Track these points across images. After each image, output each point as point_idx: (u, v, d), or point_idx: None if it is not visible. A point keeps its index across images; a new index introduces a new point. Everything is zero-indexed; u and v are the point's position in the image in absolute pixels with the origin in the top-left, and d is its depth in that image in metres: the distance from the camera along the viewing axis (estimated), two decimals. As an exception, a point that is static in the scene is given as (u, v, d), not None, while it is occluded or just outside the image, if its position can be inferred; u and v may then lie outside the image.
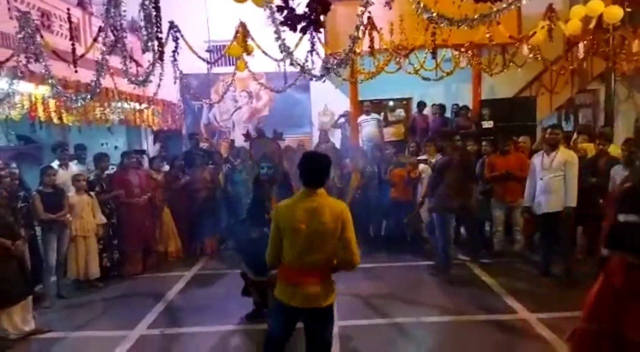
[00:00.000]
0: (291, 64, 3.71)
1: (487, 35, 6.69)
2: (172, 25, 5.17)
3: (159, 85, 7.04)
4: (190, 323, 4.89)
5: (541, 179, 5.60)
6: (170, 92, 9.48)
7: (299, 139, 10.60)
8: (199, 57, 6.80)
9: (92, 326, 4.95)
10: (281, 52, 3.81)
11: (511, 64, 8.25)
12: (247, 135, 7.41)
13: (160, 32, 3.98)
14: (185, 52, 6.64)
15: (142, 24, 3.87)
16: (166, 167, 7.69)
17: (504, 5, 2.78)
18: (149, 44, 3.90)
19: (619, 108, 9.93)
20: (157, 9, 3.88)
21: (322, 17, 3.26)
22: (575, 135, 7.20)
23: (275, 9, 3.61)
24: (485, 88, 9.87)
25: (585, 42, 7.06)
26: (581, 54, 7.24)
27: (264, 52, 6.40)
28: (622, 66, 8.16)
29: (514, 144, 7.18)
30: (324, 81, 4.42)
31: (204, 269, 6.79)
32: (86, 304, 5.59)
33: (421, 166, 6.78)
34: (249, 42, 6.36)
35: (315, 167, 2.92)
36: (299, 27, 3.33)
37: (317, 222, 2.80)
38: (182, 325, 4.87)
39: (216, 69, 9.37)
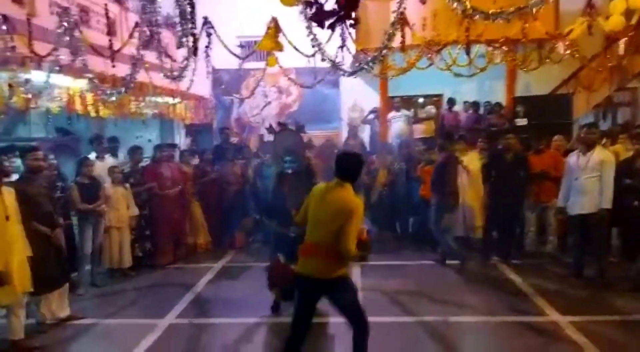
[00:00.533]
0: (322, 59, 3.71)
1: (523, 30, 6.51)
2: (205, 21, 5.25)
3: (192, 80, 7.18)
4: (218, 314, 4.98)
5: (576, 179, 5.45)
6: (202, 87, 9.62)
7: (327, 134, 10.62)
8: (231, 52, 6.87)
9: (123, 314, 5.10)
10: (312, 47, 3.81)
11: (547, 60, 8.01)
12: (270, 129, 7.45)
13: (195, 28, 4.04)
14: (217, 47, 6.72)
15: (177, 19, 3.94)
16: (196, 161, 7.83)
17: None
18: (184, 39, 3.96)
19: (660, 107, 9.54)
20: (192, 5, 3.94)
21: (353, 13, 3.21)
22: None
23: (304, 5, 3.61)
24: (519, 85, 9.64)
25: (625, 38, 6.78)
26: (621, 51, 6.96)
27: (294, 47, 6.41)
28: (664, 64, 7.82)
29: (549, 143, 7.02)
30: (356, 77, 4.39)
31: (232, 261, 6.90)
32: (118, 292, 5.76)
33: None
34: (280, 37, 6.39)
35: (345, 163, 3.33)
36: (326, 23, 3.30)
37: (325, 208, 3.23)
38: (209, 316, 4.97)
39: (247, 65, 9.43)
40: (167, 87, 7.98)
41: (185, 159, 7.57)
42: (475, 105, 9.82)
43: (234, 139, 10.04)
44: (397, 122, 9.43)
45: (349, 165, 3.32)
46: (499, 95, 10.07)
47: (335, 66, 3.65)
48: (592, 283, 5.43)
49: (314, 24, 3.55)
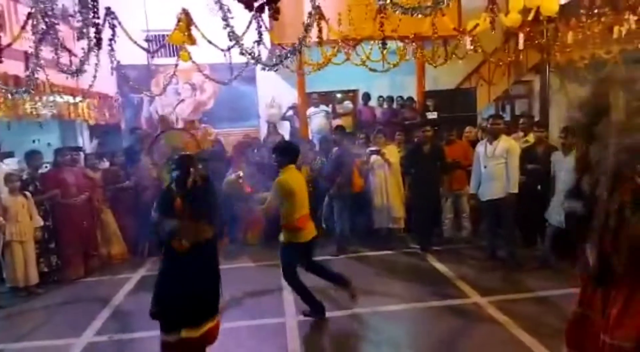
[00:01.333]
0: (241, 53, 3.55)
1: (434, 27, 6.81)
2: (108, 12, 4.83)
3: (94, 77, 6.64)
4: (140, 328, 4.63)
5: (485, 167, 5.80)
6: (106, 84, 8.94)
7: (245, 131, 10.39)
8: (139, 46, 6.44)
9: (35, 336, 4.61)
10: (230, 40, 3.63)
11: (453, 56, 8.46)
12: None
13: (98, 17, 3.69)
14: (121, 41, 6.24)
15: (77, 9, 3.57)
16: (105, 164, 7.27)
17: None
18: (84, 30, 3.60)
19: (553, 98, 10.50)
20: (94, -7, 3.60)
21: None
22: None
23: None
24: (428, 80, 10.09)
25: (523, 34, 7.36)
26: (521, 46, 7.55)
27: (209, 41, 6.14)
28: (556, 58, 8.61)
29: (459, 134, 7.44)
30: (276, 70, 4.29)
31: (152, 270, 6.46)
32: (26, 312, 5.22)
33: (373, 157, 6.81)
34: (193, 30, 6.08)
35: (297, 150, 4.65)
36: (255, 5, 3.13)
37: (305, 188, 4.60)
38: (131, 330, 4.63)
39: (157, 60, 8.95)
40: (66, 85, 7.29)
41: (91, 163, 6.98)
42: (390, 100, 10.14)
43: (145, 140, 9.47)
44: (317, 118, 9.47)
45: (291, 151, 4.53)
46: (409, 90, 10.47)
47: (255, 59, 3.51)
48: (506, 264, 5.82)
49: (231, 15, 3.38)
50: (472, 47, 7.60)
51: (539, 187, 5.88)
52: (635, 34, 6.97)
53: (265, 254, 6.62)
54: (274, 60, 6.03)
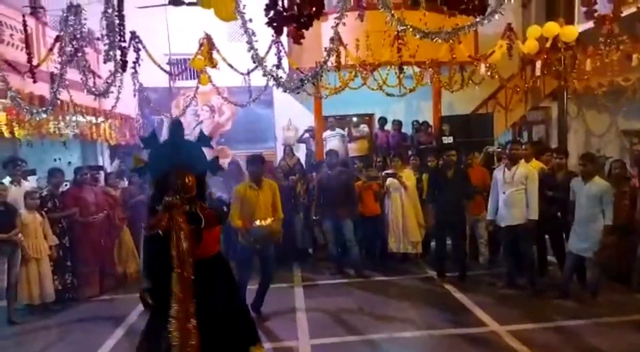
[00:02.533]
0: (264, 75, 3.62)
1: (452, 53, 6.88)
2: (133, 36, 4.99)
3: (117, 98, 6.81)
4: (154, 348, 4.62)
5: (503, 192, 5.74)
6: (128, 105, 9.17)
7: (263, 154, 10.47)
8: (162, 69, 6.62)
9: (47, 354, 4.60)
10: (254, 62, 3.72)
11: (470, 81, 8.50)
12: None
13: (124, 41, 3.81)
14: (144, 65, 6.44)
15: (104, 32, 3.69)
16: (124, 183, 7.37)
17: (477, 20, 2.83)
18: (111, 53, 3.72)
19: (571, 125, 10.43)
20: (121, 17, 3.72)
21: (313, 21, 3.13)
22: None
23: (247, 18, 3.53)
24: (444, 105, 10.13)
25: (540, 61, 7.38)
26: (538, 73, 7.56)
27: (229, 65, 6.29)
28: (574, 84, 8.59)
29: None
30: (298, 93, 4.35)
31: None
32: (41, 329, 5.22)
33: (389, 180, 6.81)
34: (214, 55, 6.24)
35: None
36: (285, 30, 3.21)
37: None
38: (144, 350, 4.60)
39: (177, 83, 9.16)
40: (89, 106, 7.49)
41: (112, 182, 7.09)
42: (399, 123, 10.19)
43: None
44: (333, 141, 9.53)
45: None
46: (425, 114, 10.52)
47: (277, 81, 3.57)
48: (524, 292, 5.70)
49: (255, 39, 3.47)
50: (488, 73, 7.63)
51: (559, 214, 5.79)
52: (654, 61, 6.94)
53: (277, 275, 6.60)
54: (293, 83, 6.15)
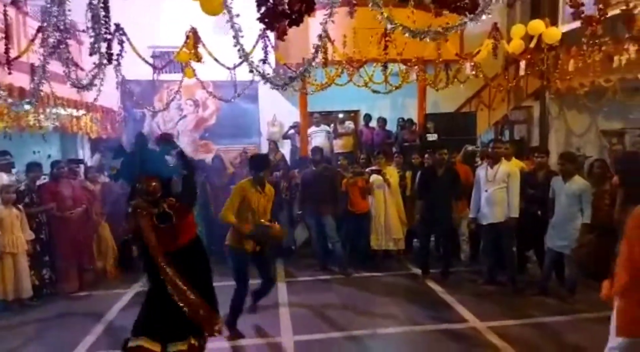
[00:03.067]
0: (250, 71, 3.59)
1: (438, 51, 6.92)
2: (118, 28, 4.89)
3: (99, 91, 6.67)
4: (135, 344, 4.57)
5: (486, 191, 5.81)
6: (110, 98, 9.00)
7: (244, 147, 10.42)
8: (147, 62, 6.51)
9: (25, 350, 4.52)
10: (240, 58, 3.68)
11: (455, 80, 8.56)
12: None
13: (109, 33, 3.73)
14: (127, 57, 6.32)
15: (89, 24, 3.61)
16: (105, 178, 7.25)
17: (465, 19, 2.85)
18: (96, 46, 3.64)
19: (552, 124, 10.59)
20: (107, 9, 3.64)
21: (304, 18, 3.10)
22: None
23: (233, 13, 3.49)
24: (429, 103, 10.18)
25: (524, 61, 7.47)
26: (522, 72, 7.65)
27: (215, 59, 6.22)
28: (556, 84, 8.72)
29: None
30: (285, 89, 4.32)
31: (147, 286, 6.40)
32: (17, 326, 5.12)
33: (373, 177, 6.83)
34: (199, 48, 6.16)
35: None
36: (279, 26, 3.17)
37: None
38: (125, 347, 4.55)
39: (161, 76, 9.01)
40: (71, 98, 7.33)
41: (91, 177, 6.97)
42: (383, 121, 10.23)
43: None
44: (318, 137, 9.51)
45: None
46: (410, 111, 10.55)
47: (264, 77, 3.54)
48: (505, 288, 5.79)
49: (242, 34, 3.43)
50: (473, 72, 7.70)
51: (539, 212, 5.88)
52: (635, 63, 7.08)
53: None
54: (280, 78, 6.11)
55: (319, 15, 3.76)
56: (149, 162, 3.75)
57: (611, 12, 5.03)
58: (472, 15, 2.69)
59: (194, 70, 7.27)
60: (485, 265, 6.16)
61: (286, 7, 2.99)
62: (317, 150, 7.11)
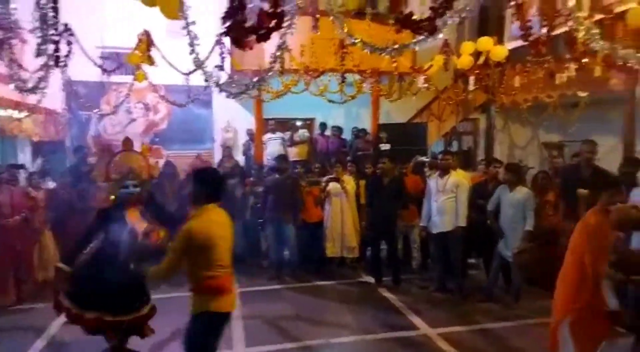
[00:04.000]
0: (205, 80, 3.50)
1: (394, 64, 7.09)
2: (66, 28, 4.67)
3: (44, 92, 6.35)
4: (79, 360, 4.36)
5: (436, 201, 5.99)
6: (53, 99, 8.56)
7: (197, 153, 10.22)
8: (97, 64, 6.25)
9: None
10: (195, 66, 3.60)
11: (407, 92, 8.80)
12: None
13: (58, 35, 3.55)
14: (74, 57, 6.05)
15: (37, 24, 3.42)
16: (50, 184, 6.89)
17: (421, 37, 2.95)
18: (43, 47, 3.45)
19: (497, 136, 11.08)
20: (56, 9, 3.47)
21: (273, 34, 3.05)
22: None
23: (189, 20, 3.42)
24: (382, 113, 10.40)
25: (473, 76, 7.80)
26: (471, 87, 7.98)
27: (169, 63, 6.07)
28: (501, 99, 9.16)
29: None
30: (241, 99, 4.26)
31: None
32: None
33: (331, 185, 6.88)
34: (153, 52, 5.99)
35: (221, 182, 3.30)
36: (245, 41, 3.10)
37: (229, 235, 3.19)
38: (68, 363, 4.33)
39: (110, 78, 8.69)
40: (11, 99, 6.93)
41: (34, 183, 6.59)
42: (339, 130, 10.34)
43: (92, 159, 9.09)
44: (273, 144, 9.48)
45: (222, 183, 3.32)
46: (364, 121, 10.74)
47: (219, 87, 3.47)
48: (454, 296, 5.98)
49: (197, 42, 3.37)
50: (425, 85, 7.95)
51: (488, 222, 6.11)
52: (574, 80, 7.56)
53: None
54: (234, 85, 6.07)
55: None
56: None
57: (554, 32, 5.32)
58: (429, 36, 2.79)
59: (145, 73, 7.05)
60: (435, 272, 6.35)
61: (255, 22, 2.93)
62: (283, 157, 7.09)
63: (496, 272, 5.86)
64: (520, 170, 5.94)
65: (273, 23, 2.93)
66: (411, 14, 2.97)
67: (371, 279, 6.68)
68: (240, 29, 2.95)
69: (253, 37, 3.06)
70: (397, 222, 6.55)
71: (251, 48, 3.19)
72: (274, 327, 5.14)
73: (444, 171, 6.02)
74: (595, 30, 2.77)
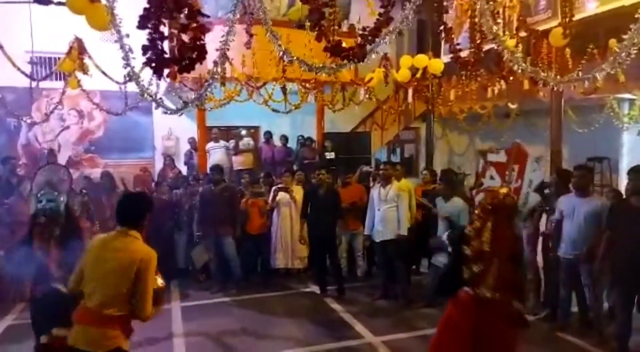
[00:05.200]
0: (141, 94, 3.40)
1: (334, 76, 7.19)
2: (-11, 34, 4.37)
3: (-35, 100, 5.93)
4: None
5: (379, 210, 6.11)
6: (-23, 106, 7.99)
7: (139, 164, 9.88)
8: (24, 73, 5.90)
9: None
10: (130, 80, 3.48)
11: (350, 101, 8.97)
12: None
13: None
14: (1, 61, 5.70)
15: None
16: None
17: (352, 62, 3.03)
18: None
19: (436, 144, 11.53)
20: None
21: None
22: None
23: (123, 33, 3.30)
24: (327, 122, 10.54)
25: (412, 87, 8.09)
26: (410, 99, 8.26)
27: (103, 72, 5.83)
28: (439, 109, 9.56)
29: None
30: (181, 115, 4.15)
31: (21, 318, 5.74)
32: None
33: (280, 195, 6.85)
34: (86, 60, 5.74)
35: (127, 206, 2.93)
36: (165, 71, 3.03)
37: (107, 266, 2.72)
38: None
39: (41, 84, 8.22)
40: None
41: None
42: (284, 138, 10.36)
43: (20, 170, 8.56)
44: (216, 153, 9.33)
45: (131, 207, 2.92)
46: (309, 129, 10.82)
47: (157, 103, 3.37)
48: (397, 303, 6.10)
49: (132, 55, 3.25)
50: (367, 96, 8.14)
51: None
52: (505, 93, 8.02)
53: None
54: (175, 95, 5.92)
55: (217, 30, 3.71)
56: None
57: (486, 46, 5.59)
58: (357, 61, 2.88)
59: (78, 80, 6.72)
60: (380, 280, 6.47)
61: (176, 53, 2.87)
62: (217, 168, 6.91)
63: (433, 279, 6.04)
64: (454, 180, 6.15)
65: (194, 55, 2.88)
66: (340, 42, 3.04)
67: (317, 289, 6.70)
68: (161, 60, 2.88)
69: (174, 68, 3.00)
70: (337, 231, 6.59)
71: (174, 78, 3.13)
72: (217, 343, 5.04)
73: (386, 181, 6.15)
74: (519, 54, 2.96)
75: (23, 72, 5.99)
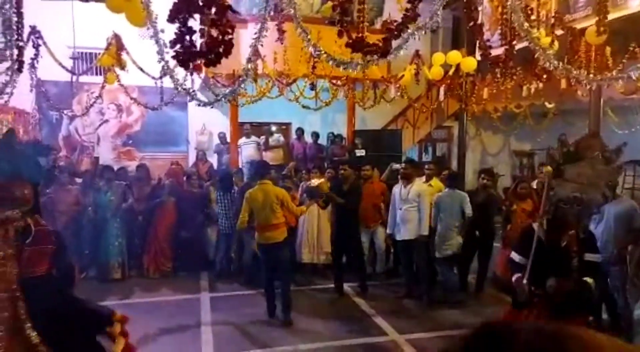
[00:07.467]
0: (175, 88, 3.50)
1: (364, 73, 7.18)
2: (33, 30, 4.59)
3: (11, 93, 6.23)
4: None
5: (400, 209, 6.04)
6: (23, 99, 8.38)
7: (173, 157, 10.13)
8: (65, 68, 6.15)
9: None
10: (164, 74, 3.59)
11: (381, 99, 8.92)
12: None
13: (22, 40, 3.50)
14: (45, 56, 5.96)
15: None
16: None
17: (375, 57, 3.03)
18: (7, 53, 3.40)
19: (469, 144, 11.33)
20: (20, 14, 3.41)
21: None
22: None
23: (159, 29, 3.42)
24: (357, 119, 10.52)
25: (444, 85, 7.97)
26: (441, 97, 8.15)
27: (140, 68, 6.01)
28: (472, 108, 9.38)
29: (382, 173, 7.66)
30: (212, 107, 4.25)
31: None
32: None
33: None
34: (124, 55, 5.93)
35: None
36: (192, 65, 3.11)
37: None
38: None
39: (81, 78, 8.56)
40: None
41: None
42: (316, 135, 10.40)
43: (60, 160, 8.94)
44: (248, 148, 9.48)
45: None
46: (340, 126, 10.83)
47: (191, 96, 3.46)
48: (420, 302, 6.05)
49: (167, 50, 3.36)
50: (398, 94, 8.07)
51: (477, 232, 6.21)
52: (542, 91, 7.80)
53: (181, 285, 6.54)
54: (209, 89, 6.05)
55: (250, 27, 3.79)
56: (19, 164, 3.01)
57: (521, 45, 5.44)
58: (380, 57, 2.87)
59: (117, 75, 6.96)
60: (404, 278, 6.43)
61: (204, 47, 2.94)
62: (263, 163, 6.97)
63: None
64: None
65: (221, 48, 2.94)
66: (362, 37, 3.04)
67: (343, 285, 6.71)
68: (189, 54, 2.96)
69: (202, 62, 3.08)
70: (358, 228, 6.48)
71: (200, 70, 3.21)
72: (243, 334, 5.14)
73: (407, 180, 6.06)
74: (550, 51, 2.88)
75: (64, 67, 6.24)
